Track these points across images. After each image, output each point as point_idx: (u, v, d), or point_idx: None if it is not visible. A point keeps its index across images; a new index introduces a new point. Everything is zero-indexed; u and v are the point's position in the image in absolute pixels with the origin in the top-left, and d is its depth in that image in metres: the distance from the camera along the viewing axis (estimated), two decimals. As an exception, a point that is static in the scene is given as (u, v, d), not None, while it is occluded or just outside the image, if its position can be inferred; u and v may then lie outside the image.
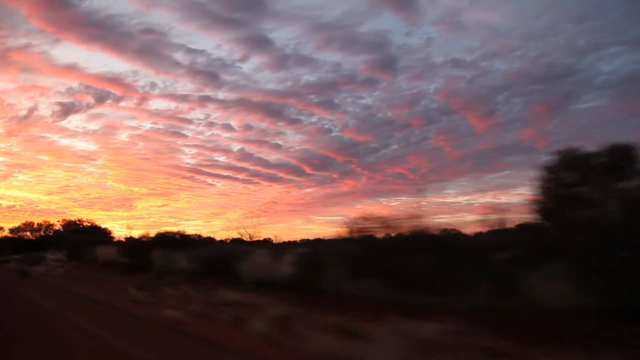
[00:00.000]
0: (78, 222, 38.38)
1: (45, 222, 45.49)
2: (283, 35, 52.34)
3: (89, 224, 38.25)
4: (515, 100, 40.55)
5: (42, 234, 44.52)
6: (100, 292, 10.76)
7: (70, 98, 43.10)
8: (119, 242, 20.95)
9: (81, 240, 21.97)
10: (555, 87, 39.47)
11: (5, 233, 44.97)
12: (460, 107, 42.75)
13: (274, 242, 18.91)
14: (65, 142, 50.39)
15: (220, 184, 48.60)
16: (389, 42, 45.06)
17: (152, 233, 15.47)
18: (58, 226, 44.06)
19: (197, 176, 48.26)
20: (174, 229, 21.27)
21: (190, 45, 44.50)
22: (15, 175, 46.18)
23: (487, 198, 41.85)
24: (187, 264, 12.39)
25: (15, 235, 44.69)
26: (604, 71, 38.40)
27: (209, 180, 49.36)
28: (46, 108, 50.94)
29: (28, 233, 45.37)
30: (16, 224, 44.94)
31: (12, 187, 46.35)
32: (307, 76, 45.91)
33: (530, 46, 40.30)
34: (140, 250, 14.35)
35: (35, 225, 45.40)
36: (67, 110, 43.78)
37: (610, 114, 37.05)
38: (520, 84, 39.96)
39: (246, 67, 51.82)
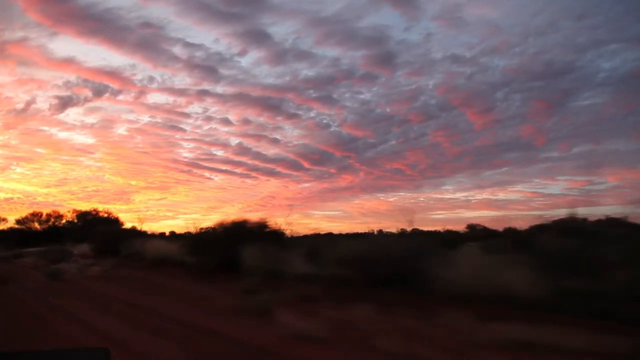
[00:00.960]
0: (94, 212, 34.21)
1: (54, 212, 41.46)
2: (282, 29, 51.93)
3: (106, 215, 34.14)
4: (515, 96, 39.91)
5: (52, 225, 40.54)
6: (197, 312, 6.77)
7: (68, 91, 42.51)
8: (171, 235, 17.04)
9: (115, 232, 17.93)
10: (555, 84, 38.20)
11: (10, 224, 42.00)
12: (459, 103, 42.12)
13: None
14: (63, 135, 49.47)
15: (218, 178, 47.83)
16: (388, 38, 43.45)
17: (225, 223, 11.40)
18: (69, 217, 40.14)
19: (195, 170, 48.21)
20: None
21: (188, 39, 42.79)
22: (13, 168, 45.06)
23: (485, 194, 41.82)
24: (304, 267, 8.39)
25: (23, 227, 40.76)
26: (604, 68, 37.35)
27: (206, 174, 48.17)
28: (44, 101, 49.36)
29: (36, 224, 41.39)
30: (19, 214, 41.48)
31: (10, 179, 45.12)
32: (306, 71, 45.65)
33: (529, 43, 39.03)
34: (218, 246, 10.36)
35: (43, 216, 41.41)
36: (64, 103, 43.12)
37: (610, 111, 36.51)
38: (519, 80, 39.20)
39: (244, 61, 49.82)
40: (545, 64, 37.03)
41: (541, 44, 38.47)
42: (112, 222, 34.21)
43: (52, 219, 41.16)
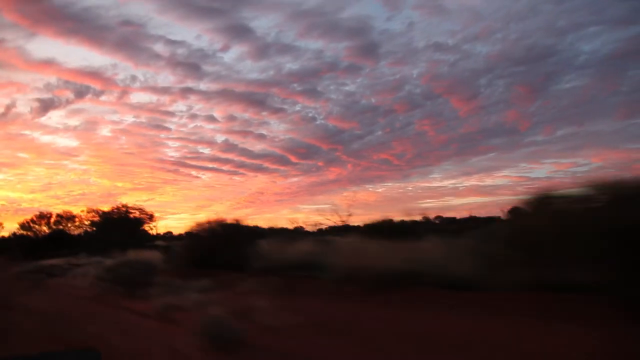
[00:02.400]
0: (124, 210, 26.96)
1: (66, 213, 34.18)
2: (264, 23, 52.49)
3: (139, 213, 26.98)
4: (498, 82, 40.17)
5: (62, 228, 33.34)
6: None
7: (49, 94, 41.54)
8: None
9: (229, 232, 11.09)
10: (537, 68, 38.90)
11: (6, 230, 35.82)
12: (443, 91, 42.29)
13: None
14: (46, 139, 49.04)
15: (206, 176, 47.35)
16: (370, 28, 42.71)
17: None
18: (86, 217, 32.96)
19: (181, 169, 47.99)
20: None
21: (169, 36, 42.73)
22: None
23: (473, 181, 41.83)
24: None
25: (28, 232, 33.58)
26: (584, 51, 37.18)
27: (193, 172, 48.36)
28: (24, 105, 48.30)
29: (44, 228, 34.13)
30: (18, 219, 35.73)
31: None
32: (290, 64, 45.15)
33: (511, 28, 39.33)
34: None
35: (52, 218, 34.12)
36: (46, 106, 41.83)
37: (591, 93, 36.80)
38: (502, 66, 39.83)
39: (227, 57, 49.86)
40: (527, 48, 37.43)
41: (522, 29, 38.79)
42: (141, 222, 27.39)
43: (64, 221, 33.91)
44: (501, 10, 40.47)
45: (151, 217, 27.55)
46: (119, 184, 45.65)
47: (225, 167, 47.66)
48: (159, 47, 44.52)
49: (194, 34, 53.45)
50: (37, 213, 33.95)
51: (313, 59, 42.83)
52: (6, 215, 44.86)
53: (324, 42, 48.27)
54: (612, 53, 34.89)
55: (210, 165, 48.77)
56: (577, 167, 36.85)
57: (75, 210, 33.90)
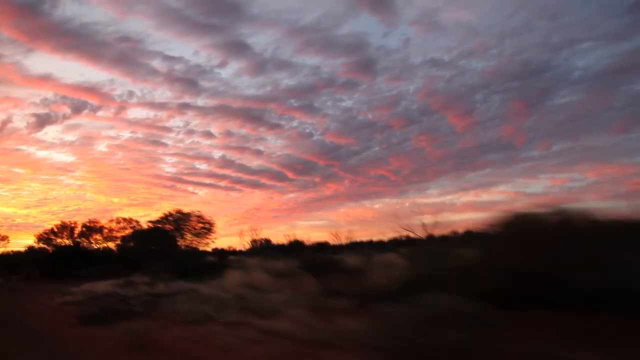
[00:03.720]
0: (181, 215, 20.41)
1: (93, 222, 27.97)
2: (261, 39, 52.61)
3: (197, 221, 20.52)
4: (494, 97, 40.61)
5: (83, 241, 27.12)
6: None
7: (46, 109, 41.69)
8: None
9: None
10: (532, 84, 38.74)
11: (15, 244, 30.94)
12: (439, 106, 42.68)
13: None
14: (42, 154, 48.32)
15: (203, 192, 46.51)
16: (367, 44, 43.07)
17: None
18: (116, 227, 26.81)
19: (178, 185, 47.12)
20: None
21: (167, 52, 42.57)
22: None
23: (470, 197, 39.99)
24: None
25: (46, 246, 27.36)
26: (579, 66, 37.61)
27: (190, 188, 47.23)
28: (21, 120, 47.84)
29: (65, 240, 27.89)
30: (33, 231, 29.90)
31: None
32: (287, 80, 45.34)
33: (506, 44, 40.21)
34: None
35: (76, 230, 27.87)
36: (42, 121, 42.14)
37: (586, 108, 36.89)
38: (497, 81, 40.21)
39: (225, 72, 49.13)
40: (522, 64, 37.74)
41: (517, 45, 39.18)
42: (200, 234, 21.03)
43: (91, 233, 27.68)
44: (496, 26, 40.83)
45: (211, 228, 21.19)
46: (115, 200, 44.57)
47: (222, 183, 47.05)
48: (157, 63, 43.79)
49: (191, 50, 53.86)
50: (59, 223, 27.90)
51: (310, 75, 42.54)
52: (16, 230, 42.86)
53: (321, 58, 47.89)
54: (606, 68, 34.92)
55: (207, 181, 48.29)
56: (573, 182, 36.75)
57: (103, 220, 27.66)
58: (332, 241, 24.25)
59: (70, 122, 46.35)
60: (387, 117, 45.24)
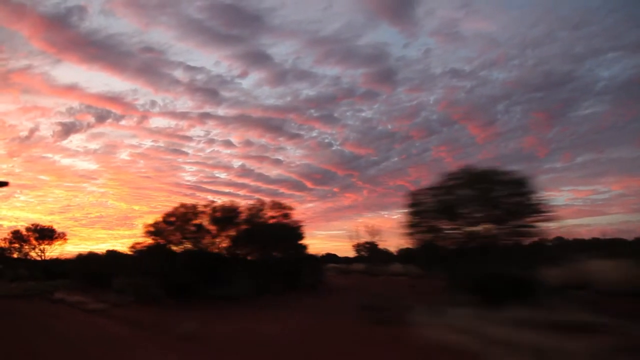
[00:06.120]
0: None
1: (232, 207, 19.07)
2: (282, 50, 54.30)
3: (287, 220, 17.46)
4: (515, 109, 41.41)
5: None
6: None
7: (71, 118, 44.00)
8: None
9: None
10: (555, 95, 39.97)
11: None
12: (460, 117, 43.46)
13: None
14: (66, 161, 50.50)
15: (222, 200, 36.93)
16: (387, 55, 44.89)
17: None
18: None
19: (198, 193, 48.03)
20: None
21: (189, 63, 45.01)
22: (16, 196, 43.41)
23: None
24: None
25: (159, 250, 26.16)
26: (603, 77, 38.05)
27: (210, 197, 48.13)
28: (47, 128, 50.74)
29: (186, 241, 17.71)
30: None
31: (14, 207, 42.75)
32: (307, 90, 46.70)
33: (527, 54, 41.03)
34: None
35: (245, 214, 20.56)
36: (67, 130, 44.38)
37: (611, 119, 37.01)
38: (519, 92, 40.80)
39: (245, 83, 50.58)
40: (544, 74, 38.84)
41: (539, 55, 39.86)
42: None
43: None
44: (517, 36, 40.89)
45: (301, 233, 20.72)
46: (136, 207, 46.39)
47: (241, 192, 47.45)
48: (179, 73, 45.38)
49: (213, 60, 56.24)
50: (189, 204, 16.71)
51: (330, 85, 43.81)
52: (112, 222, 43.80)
53: (341, 68, 48.63)
54: (631, 79, 34.98)
55: (226, 189, 48.96)
56: (597, 194, 34.49)
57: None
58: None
59: (94, 130, 48.59)
60: (406, 128, 45.65)
